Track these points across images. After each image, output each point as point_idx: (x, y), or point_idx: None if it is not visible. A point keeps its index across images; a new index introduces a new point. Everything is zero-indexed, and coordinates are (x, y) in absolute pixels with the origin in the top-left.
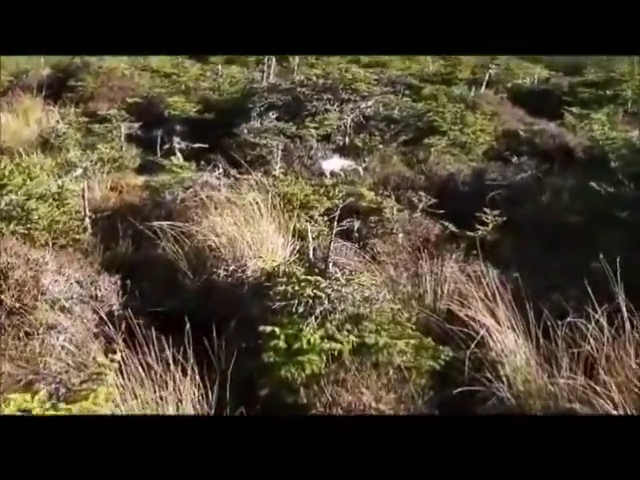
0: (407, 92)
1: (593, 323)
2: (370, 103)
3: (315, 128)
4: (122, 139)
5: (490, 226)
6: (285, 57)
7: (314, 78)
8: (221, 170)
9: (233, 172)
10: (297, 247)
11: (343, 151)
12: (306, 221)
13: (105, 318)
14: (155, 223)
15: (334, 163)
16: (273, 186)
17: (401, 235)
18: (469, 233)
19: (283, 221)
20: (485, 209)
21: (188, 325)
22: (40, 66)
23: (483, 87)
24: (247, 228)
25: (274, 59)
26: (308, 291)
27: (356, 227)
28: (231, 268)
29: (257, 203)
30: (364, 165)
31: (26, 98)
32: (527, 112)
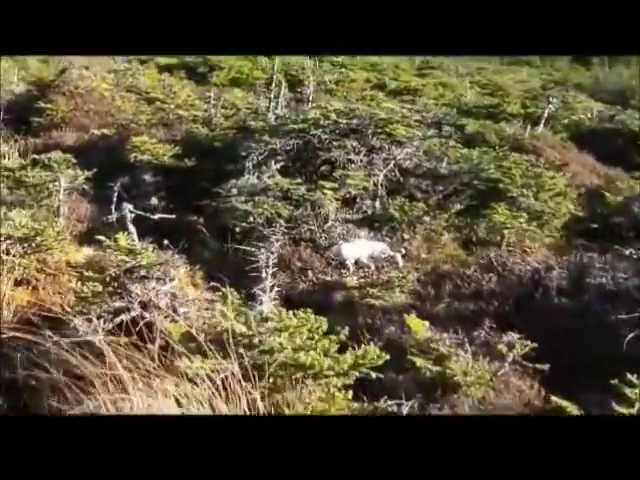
0: (447, 129)
1: None
2: (409, 151)
3: (333, 189)
4: (60, 197)
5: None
6: (299, 82)
7: (333, 116)
8: (174, 280)
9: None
10: None
11: (372, 224)
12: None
13: None
14: None
15: (360, 247)
16: (252, 348)
17: None
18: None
19: None
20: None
21: None
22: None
23: (541, 126)
24: None
25: (284, 84)
26: None
27: (405, 410)
28: None
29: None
30: (403, 250)
31: None
32: (596, 158)
